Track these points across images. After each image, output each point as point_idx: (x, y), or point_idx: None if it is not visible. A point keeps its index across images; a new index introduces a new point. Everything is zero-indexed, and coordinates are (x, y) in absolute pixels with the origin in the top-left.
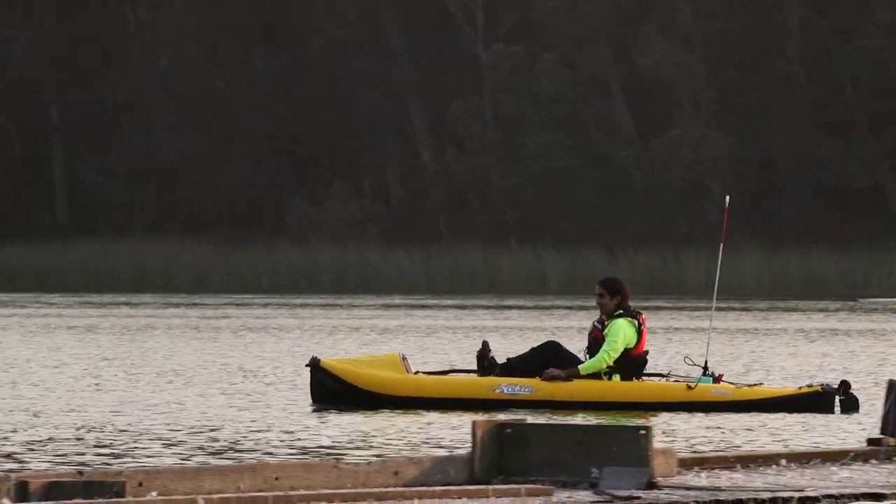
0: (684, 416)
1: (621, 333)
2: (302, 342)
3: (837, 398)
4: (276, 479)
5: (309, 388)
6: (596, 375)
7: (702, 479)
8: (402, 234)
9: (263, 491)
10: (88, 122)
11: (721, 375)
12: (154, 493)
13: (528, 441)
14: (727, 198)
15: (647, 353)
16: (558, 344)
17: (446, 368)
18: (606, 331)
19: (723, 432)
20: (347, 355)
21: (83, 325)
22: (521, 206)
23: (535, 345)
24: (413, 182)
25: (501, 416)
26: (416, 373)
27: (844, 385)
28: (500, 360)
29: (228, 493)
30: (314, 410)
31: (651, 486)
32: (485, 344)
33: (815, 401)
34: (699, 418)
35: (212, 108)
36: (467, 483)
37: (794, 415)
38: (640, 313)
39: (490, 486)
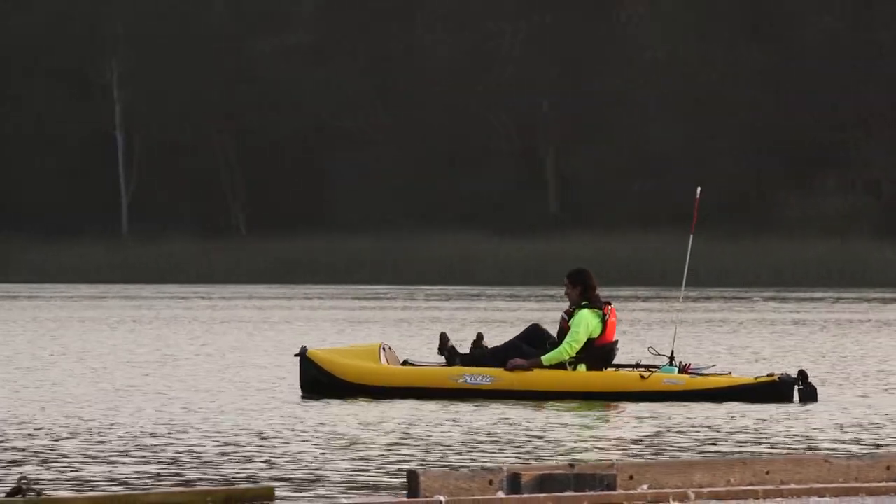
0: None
1: (584, 324)
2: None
3: (796, 388)
4: (767, 473)
5: (298, 378)
6: (560, 365)
7: None
8: (893, 227)
9: (754, 485)
10: (579, 115)
11: (689, 365)
12: (644, 487)
13: None
14: (699, 189)
15: (616, 343)
16: (539, 327)
17: (433, 360)
18: (571, 321)
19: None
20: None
21: None
22: None
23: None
24: None
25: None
26: (404, 362)
27: (802, 375)
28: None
29: (718, 486)
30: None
31: None
32: (442, 335)
33: (772, 390)
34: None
35: (701, 101)
36: None
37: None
38: (607, 304)
39: None
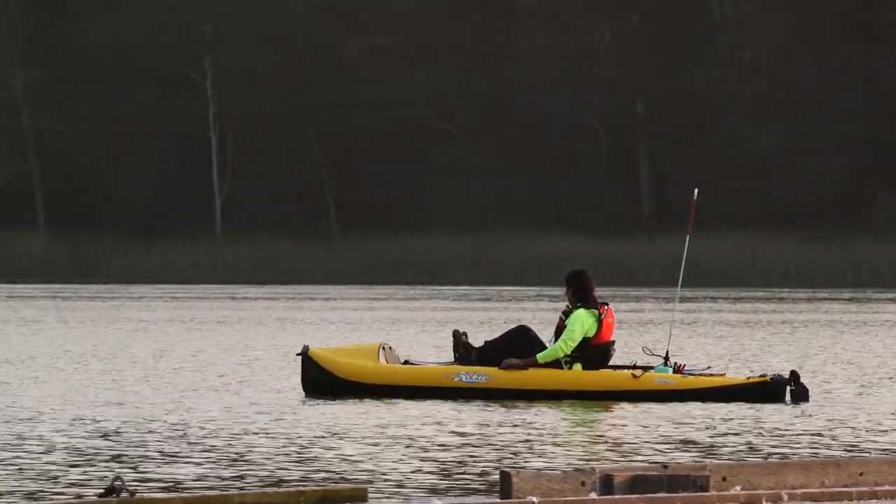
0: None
1: (579, 322)
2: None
3: (788, 388)
4: (861, 474)
5: (300, 377)
6: (555, 364)
7: None
8: None
9: (848, 486)
10: (673, 115)
11: (683, 366)
12: (738, 488)
13: None
14: (696, 191)
15: (612, 343)
16: (528, 329)
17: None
18: (567, 320)
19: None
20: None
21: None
22: None
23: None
24: None
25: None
26: (405, 362)
27: (794, 375)
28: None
29: (812, 488)
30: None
31: None
32: (455, 332)
33: (764, 391)
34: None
35: (796, 101)
36: None
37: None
38: (604, 304)
39: None
